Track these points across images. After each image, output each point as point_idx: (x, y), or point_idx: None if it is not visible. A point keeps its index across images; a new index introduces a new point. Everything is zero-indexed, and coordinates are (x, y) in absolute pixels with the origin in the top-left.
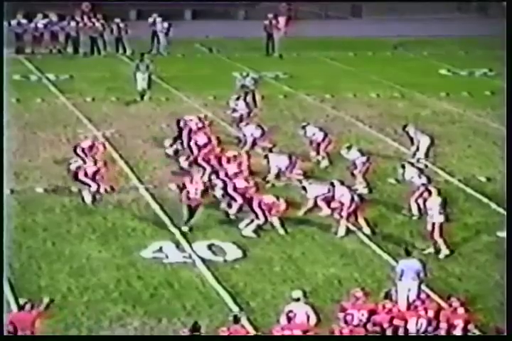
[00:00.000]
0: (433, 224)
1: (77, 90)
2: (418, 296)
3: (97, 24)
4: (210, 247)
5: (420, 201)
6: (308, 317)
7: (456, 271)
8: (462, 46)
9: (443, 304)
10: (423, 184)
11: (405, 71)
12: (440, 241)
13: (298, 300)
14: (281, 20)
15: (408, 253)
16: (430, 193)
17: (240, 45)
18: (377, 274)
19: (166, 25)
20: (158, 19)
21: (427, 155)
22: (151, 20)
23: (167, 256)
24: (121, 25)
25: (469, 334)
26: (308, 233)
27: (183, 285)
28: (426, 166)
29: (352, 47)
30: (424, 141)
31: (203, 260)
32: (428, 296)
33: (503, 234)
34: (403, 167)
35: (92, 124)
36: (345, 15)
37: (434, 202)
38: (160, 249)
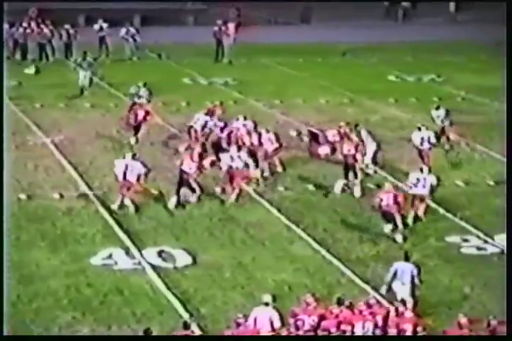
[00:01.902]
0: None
1: (26, 97)
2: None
3: (46, 30)
4: (159, 254)
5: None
6: (271, 323)
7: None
8: (410, 52)
9: (391, 309)
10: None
11: (354, 77)
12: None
13: (267, 304)
14: (231, 26)
15: (407, 258)
16: None
17: (189, 51)
18: (327, 280)
19: (133, 30)
20: (105, 25)
21: (374, 160)
22: (97, 26)
23: (117, 263)
24: (71, 31)
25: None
26: (259, 239)
27: (133, 292)
28: (375, 172)
29: (301, 53)
30: (371, 147)
31: (153, 266)
32: (378, 301)
33: (451, 238)
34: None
35: (41, 131)
36: (294, 21)
37: None
38: (109, 256)
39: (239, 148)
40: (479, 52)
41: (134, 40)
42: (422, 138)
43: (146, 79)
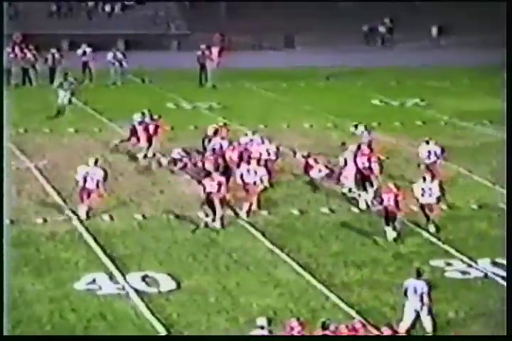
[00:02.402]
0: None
1: (10, 121)
2: (430, 313)
3: (29, 55)
4: (143, 278)
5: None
6: None
7: (390, 301)
8: (394, 76)
9: (376, 333)
10: None
11: (338, 101)
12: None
13: (262, 328)
14: (214, 50)
15: (419, 275)
16: None
17: (173, 76)
18: (311, 304)
19: (120, 56)
20: (88, 49)
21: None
22: (80, 51)
23: (100, 288)
24: (56, 55)
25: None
26: (243, 263)
27: (117, 317)
28: (359, 195)
29: (285, 77)
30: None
31: (137, 291)
32: (364, 325)
33: (435, 262)
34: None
35: (24, 155)
36: (278, 46)
37: None
38: (93, 281)
39: (249, 163)
40: (462, 77)
41: (121, 64)
42: (429, 152)
43: (129, 104)
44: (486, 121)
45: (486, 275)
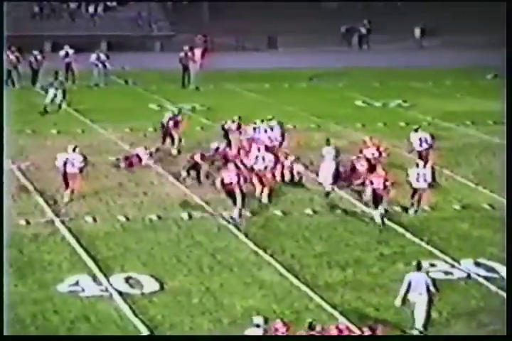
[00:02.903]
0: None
1: None
2: (428, 311)
3: (12, 56)
4: (127, 280)
5: None
6: None
7: (374, 301)
8: (377, 77)
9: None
10: None
11: (321, 102)
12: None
13: (258, 326)
14: (197, 52)
15: (419, 268)
16: None
17: (156, 77)
18: (295, 305)
19: (103, 57)
20: (71, 51)
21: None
22: (62, 52)
23: (84, 290)
24: (39, 57)
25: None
26: (227, 264)
27: (100, 318)
28: (333, 189)
29: (268, 78)
30: (330, 166)
31: (120, 293)
32: (347, 327)
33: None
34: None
35: (7, 157)
36: (261, 47)
37: None
38: (76, 283)
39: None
40: (445, 78)
41: (104, 66)
42: (420, 139)
43: (113, 105)
44: (469, 122)
45: (468, 276)
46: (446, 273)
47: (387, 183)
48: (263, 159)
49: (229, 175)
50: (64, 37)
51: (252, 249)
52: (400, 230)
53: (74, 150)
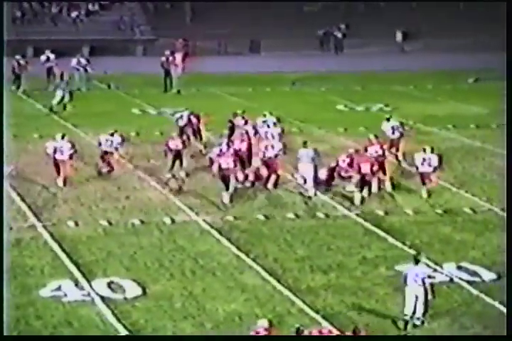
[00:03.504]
0: None
1: None
2: (426, 302)
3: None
4: (109, 285)
5: None
6: None
7: (356, 305)
8: (359, 81)
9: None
10: None
11: (304, 106)
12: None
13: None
14: (178, 56)
15: (417, 262)
16: None
17: (138, 81)
18: (277, 309)
19: (84, 61)
20: (52, 55)
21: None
22: (44, 57)
23: (66, 295)
24: (22, 62)
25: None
26: (209, 269)
27: (82, 323)
28: (315, 194)
29: (251, 82)
30: (308, 168)
31: (103, 298)
32: (330, 331)
33: (400, 267)
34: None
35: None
36: (243, 51)
37: None
38: (59, 288)
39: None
40: (426, 81)
41: (85, 70)
42: (393, 127)
43: (95, 109)
44: (450, 126)
45: (451, 280)
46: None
47: (375, 168)
48: (272, 147)
49: (226, 160)
50: (46, 41)
51: (235, 253)
52: (382, 234)
53: (62, 138)
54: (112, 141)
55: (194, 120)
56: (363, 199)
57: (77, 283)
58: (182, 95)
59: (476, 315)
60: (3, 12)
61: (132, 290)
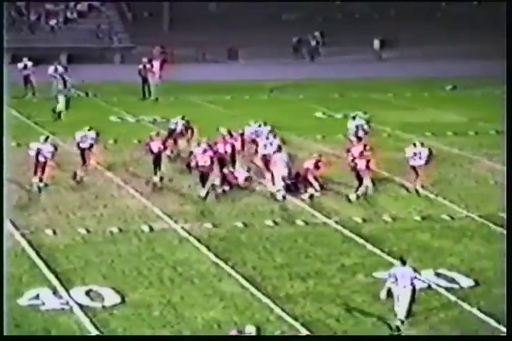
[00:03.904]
0: None
1: None
2: (411, 302)
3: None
4: (87, 293)
5: None
6: None
7: (335, 312)
8: (337, 89)
9: None
10: None
11: (282, 114)
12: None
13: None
14: (156, 64)
15: (404, 263)
16: None
17: (116, 89)
18: (256, 317)
19: (61, 69)
20: (29, 63)
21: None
22: (21, 64)
23: (44, 303)
24: None
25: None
26: (188, 276)
27: (61, 332)
28: (284, 197)
29: (229, 90)
30: (281, 171)
31: (81, 306)
32: None
33: (378, 274)
34: None
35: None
36: (222, 59)
37: None
38: (37, 296)
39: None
40: (404, 89)
41: (63, 78)
42: (357, 127)
43: (73, 117)
44: (429, 133)
45: (429, 287)
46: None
47: (370, 164)
48: (271, 144)
49: (203, 158)
50: (24, 49)
51: (213, 261)
52: (361, 241)
53: (46, 140)
54: (86, 136)
55: (184, 128)
56: (358, 196)
57: (55, 292)
58: (160, 103)
59: (454, 321)
60: (3, 12)
61: (111, 298)
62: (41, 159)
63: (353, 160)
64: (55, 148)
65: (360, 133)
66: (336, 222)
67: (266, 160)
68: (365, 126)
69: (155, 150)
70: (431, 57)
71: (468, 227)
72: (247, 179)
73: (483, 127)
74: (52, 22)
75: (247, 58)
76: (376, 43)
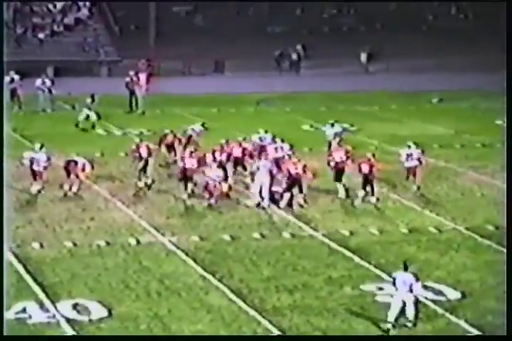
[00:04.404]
0: None
1: None
2: (416, 306)
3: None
4: (74, 306)
5: None
6: None
7: (322, 325)
8: (324, 101)
9: None
10: None
11: (268, 126)
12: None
13: None
14: (142, 76)
15: (406, 268)
16: None
17: (103, 102)
18: (243, 330)
19: (49, 82)
20: (16, 76)
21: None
22: (8, 78)
23: (31, 317)
24: None
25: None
26: (175, 290)
27: None
28: (268, 205)
29: (215, 103)
30: (262, 179)
31: (68, 320)
32: None
33: (366, 287)
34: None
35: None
36: (208, 72)
37: None
38: (23, 310)
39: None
40: (391, 102)
41: (50, 91)
42: (336, 133)
43: (59, 130)
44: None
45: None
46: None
47: (374, 169)
48: (282, 149)
49: (191, 161)
50: (10, 62)
51: (200, 274)
52: (348, 254)
53: (41, 148)
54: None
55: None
56: (364, 196)
57: (42, 305)
58: (147, 116)
59: (441, 333)
60: (3, 12)
61: (97, 311)
62: (36, 168)
63: (336, 165)
64: (49, 158)
65: (337, 140)
66: (323, 235)
67: (277, 163)
68: (343, 134)
69: (144, 155)
70: (417, 70)
71: (454, 240)
72: (230, 188)
73: (469, 140)
74: (40, 35)
75: (233, 71)
76: (363, 56)
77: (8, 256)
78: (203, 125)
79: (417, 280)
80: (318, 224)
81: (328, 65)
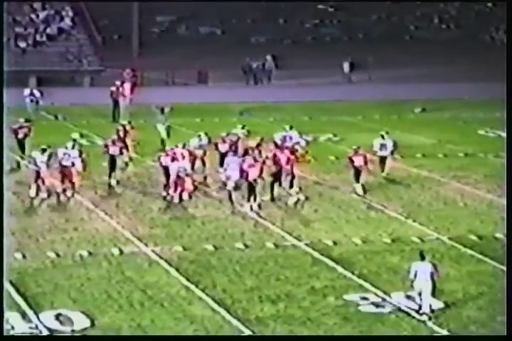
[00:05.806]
0: None
1: None
2: (433, 294)
3: None
4: (57, 317)
5: None
6: None
7: (305, 335)
8: (306, 112)
9: None
10: None
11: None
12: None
13: None
14: (127, 86)
15: (423, 257)
16: None
17: (86, 112)
18: None
19: (38, 94)
20: None
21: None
22: None
23: (13, 328)
24: None
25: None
26: (158, 300)
27: None
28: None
29: (199, 113)
30: None
31: (50, 330)
32: None
33: (349, 296)
34: None
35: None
36: (191, 82)
37: None
38: (6, 321)
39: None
40: (373, 112)
41: (37, 102)
42: (285, 137)
43: (41, 140)
44: (398, 156)
45: (399, 309)
46: (378, 306)
47: (367, 160)
48: (290, 138)
49: (183, 163)
50: None
51: (183, 284)
52: (331, 264)
53: (43, 152)
54: (69, 154)
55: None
56: (364, 188)
57: (24, 316)
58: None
59: None
60: (3, 12)
61: (80, 322)
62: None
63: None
64: (49, 157)
65: (288, 143)
66: (306, 245)
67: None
68: (295, 139)
69: (116, 152)
70: (400, 79)
71: (437, 249)
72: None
73: (451, 149)
74: (22, 45)
75: (216, 81)
76: (346, 66)
77: None
78: (243, 128)
79: (435, 268)
80: (301, 234)
81: (311, 74)
